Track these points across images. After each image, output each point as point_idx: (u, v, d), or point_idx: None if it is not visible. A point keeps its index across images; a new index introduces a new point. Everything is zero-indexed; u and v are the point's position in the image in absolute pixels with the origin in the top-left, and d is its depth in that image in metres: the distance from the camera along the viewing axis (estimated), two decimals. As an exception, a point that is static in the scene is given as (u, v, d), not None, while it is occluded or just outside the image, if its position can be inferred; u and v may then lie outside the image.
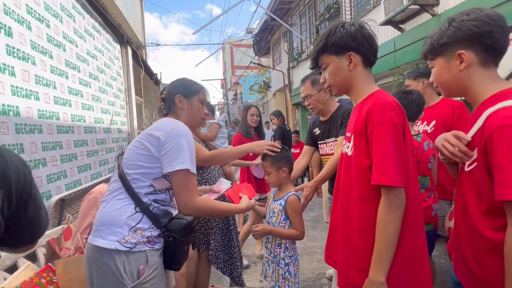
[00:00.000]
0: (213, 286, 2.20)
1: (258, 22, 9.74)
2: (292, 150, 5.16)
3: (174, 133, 1.05)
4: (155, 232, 1.03)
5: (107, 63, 4.03)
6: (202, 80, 24.48)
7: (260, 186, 2.70)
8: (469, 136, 0.81)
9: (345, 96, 1.23)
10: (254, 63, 11.27)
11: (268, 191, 2.83)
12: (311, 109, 1.72)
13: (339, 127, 1.63)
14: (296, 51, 9.07)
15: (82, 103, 3.05)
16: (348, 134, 1.02)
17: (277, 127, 5.38)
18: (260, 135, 2.79)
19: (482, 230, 0.76)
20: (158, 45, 8.31)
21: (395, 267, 0.84)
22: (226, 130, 2.50)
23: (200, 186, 1.80)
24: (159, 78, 8.34)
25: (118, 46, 4.68)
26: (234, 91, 27.05)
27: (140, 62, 5.81)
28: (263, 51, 12.80)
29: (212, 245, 1.73)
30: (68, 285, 1.21)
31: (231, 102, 28.20)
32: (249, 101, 21.67)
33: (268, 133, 9.35)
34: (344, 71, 0.98)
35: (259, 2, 10.54)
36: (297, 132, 5.66)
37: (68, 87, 2.76)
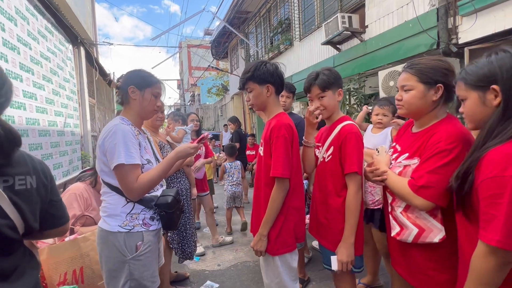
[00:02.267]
0: (176, 271, 2.49)
1: (218, 24, 9.98)
2: (248, 152, 5.62)
3: (107, 136, 1.20)
4: (148, 214, 1.28)
5: (60, 64, 3.93)
6: (157, 80, 23.48)
7: (199, 186, 3.06)
8: (328, 141, 1.38)
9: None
10: (212, 67, 11.49)
11: (206, 190, 3.25)
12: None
13: None
14: (253, 59, 9.60)
15: (36, 106, 3.01)
16: (261, 140, 1.46)
17: (234, 132, 5.81)
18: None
19: (332, 196, 1.34)
20: (111, 44, 8.00)
21: (278, 227, 1.35)
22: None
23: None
24: (112, 78, 8.03)
25: (70, 47, 4.54)
26: (191, 93, 26.61)
27: (93, 63, 5.63)
28: (221, 55, 13.09)
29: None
30: (55, 266, 1.41)
31: (189, 104, 27.67)
32: (207, 103, 21.62)
33: (227, 135, 9.71)
34: (263, 96, 1.39)
35: (217, 10, 10.84)
36: (253, 135, 6.14)
37: (23, 90, 2.74)
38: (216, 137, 9.66)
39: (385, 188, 1.21)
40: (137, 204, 1.26)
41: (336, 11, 5.20)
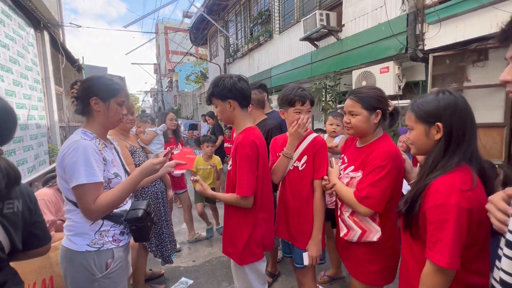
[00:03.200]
0: (151, 269, 2.54)
1: (198, 7, 9.55)
2: (226, 144, 5.65)
3: (67, 153, 1.12)
4: (118, 230, 1.25)
5: (21, 52, 3.63)
6: (132, 64, 22.25)
7: (177, 183, 3.10)
8: (300, 150, 1.50)
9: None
10: (190, 54, 11.11)
11: (184, 187, 3.24)
12: None
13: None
14: (232, 48, 9.42)
15: (-6, 99, 2.80)
16: (230, 155, 1.51)
17: (216, 125, 5.80)
18: (176, 137, 3.22)
19: (306, 202, 1.47)
20: (79, 26, 7.43)
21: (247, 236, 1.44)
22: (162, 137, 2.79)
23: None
24: (81, 63, 7.53)
25: (32, 31, 4.18)
26: (169, 78, 25.63)
27: (59, 48, 5.24)
28: (201, 42, 12.66)
29: None
30: (23, 277, 1.39)
31: (166, 90, 26.69)
32: (186, 90, 20.97)
33: (205, 126, 9.59)
34: (227, 111, 1.41)
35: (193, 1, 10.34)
36: (231, 128, 6.15)
37: (-22, 83, 2.53)
38: (194, 126, 9.52)
39: (336, 195, 1.43)
40: (106, 221, 1.22)
41: (315, 7, 5.23)
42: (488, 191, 0.90)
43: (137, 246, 2.02)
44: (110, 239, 1.22)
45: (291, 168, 1.55)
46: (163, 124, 2.79)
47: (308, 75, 5.44)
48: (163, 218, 2.23)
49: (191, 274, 2.56)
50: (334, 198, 1.91)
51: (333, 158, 1.54)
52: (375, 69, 3.91)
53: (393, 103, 4.09)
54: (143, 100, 35.26)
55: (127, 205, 1.33)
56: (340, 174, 1.42)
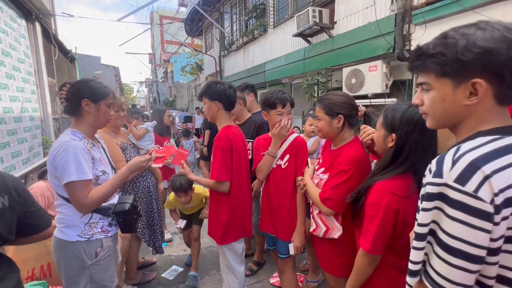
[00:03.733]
0: (143, 258, 2.68)
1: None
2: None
3: (58, 152, 1.21)
4: (107, 222, 1.37)
5: (13, 44, 3.63)
6: (126, 53, 21.87)
7: (169, 175, 3.22)
8: (283, 149, 1.65)
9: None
10: (185, 45, 11.02)
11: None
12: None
13: (252, 133, 2.30)
14: (227, 41, 9.38)
15: (-12, 93, 2.84)
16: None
17: (205, 120, 5.89)
18: (168, 133, 3.44)
19: (290, 198, 1.60)
20: (71, 16, 7.33)
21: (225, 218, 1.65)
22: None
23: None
24: (74, 52, 7.47)
25: (23, 22, 4.16)
26: (164, 69, 25.32)
27: (51, 39, 5.20)
28: (196, 33, 12.53)
29: (140, 225, 2.21)
30: (22, 263, 1.51)
31: (161, 80, 26.41)
32: (181, 81, 20.80)
33: (199, 118, 9.64)
34: (212, 110, 1.66)
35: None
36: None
37: (-28, 77, 2.57)
38: (189, 119, 9.56)
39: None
40: (95, 214, 1.32)
41: (309, 3, 5.26)
42: None
43: (129, 236, 2.14)
44: (99, 230, 1.33)
45: (274, 167, 1.68)
46: (154, 121, 2.88)
47: (301, 71, 5.52)
48: (155, 210, 2.35)
49: (181, 262, 2.71)
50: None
51: (308, 159, 1.67)
52: (364, 67, 4.01)
53: (380, 101, 4.16)
54: (137, 91, 34.86)
55: (114, 199, 1.43)
56: (313, 174, 1.53)
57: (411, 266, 0.67)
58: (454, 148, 0.62)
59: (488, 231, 0.55)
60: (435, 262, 0.62)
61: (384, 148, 1.12)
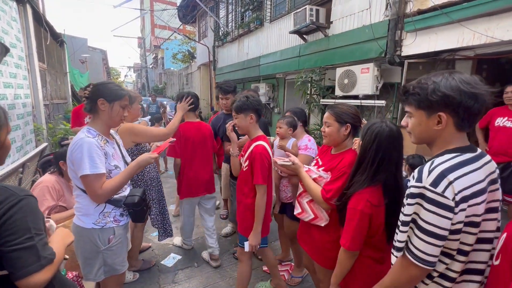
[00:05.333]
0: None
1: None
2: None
3: (74, 149, 1.35)
4: (118, 212, 1.51)
5: (5, 28, 3.53)
6: (114, 36, 21.08)
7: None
8: (246, 154, 1.82)
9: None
10: (178, 33, 10.79)
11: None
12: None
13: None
14: (222, 31, 9.28)
15: (-17, 80, 2.80)
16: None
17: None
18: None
19: (247, 198, 1.80)
20: (61, -4, 7.01)
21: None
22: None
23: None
24: (63, 35, 7.21)
25: (14, 4, 4.02)
26: (154, 55, 24.61)
27: (42, 23, 5.03)
28: (190, 21, 12.26)
29: (153, 212, 2.43)
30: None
31: (151, 67, 25.70)
32: (172, 68, 20.35)
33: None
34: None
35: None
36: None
37: (-32, 64, 2.54)
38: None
39: (301, 182, 1.68)
40: (108, 204, 1.48)
41: (306, 1, 5.32)
42: (392, 210, 1.25)
43: (133, 225, 2.27)
44: (112, 219, 1.49)
45: (243, 167, 1.88)
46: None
47: (296, 67, 5.63)
48: (164, 198, 2.56)
49: (179, 250, 2.86)
50: (289, 194, 2.20)
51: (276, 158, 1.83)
52: (356, 69, 4.18)
53: (370, 102, 4.37)
54: (125, 75, 33.83)
55: (126, 192, 1.58)
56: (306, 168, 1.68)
57: (398, 244, 0.95)
58: (430, 162, 0.90)
59: (450, 219, 0.82)
60: (415, 240, 0.88)
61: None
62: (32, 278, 0.78)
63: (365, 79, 4.09)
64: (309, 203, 1.61)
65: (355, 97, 4.34)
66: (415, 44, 3.48)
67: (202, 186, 2.50)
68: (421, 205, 0.85)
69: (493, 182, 0.91)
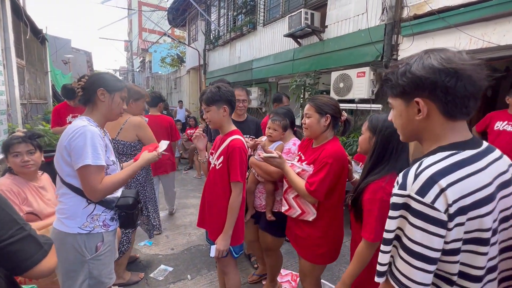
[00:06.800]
0: (130, 257, 2.55)
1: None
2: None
3: (75, 137, 1.20)
4: (109, 215, 1.33)
5: (-21, 17, 3.23)
6: (100, 38, 20.45)
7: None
8: (219, 150, 1.62)
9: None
10: (168, 35, 10.59)
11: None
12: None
13: (254, 131, 2.43)
14: (213, 34, 9.18)
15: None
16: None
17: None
18: None
19: (221, 199, 1.59)
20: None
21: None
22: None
23: None
24: (44, 32, 6.83)
25: (-10, -6, 3.72)
26: (141, 58, 24.12)
27: (22, 16, 4.70)
28: (180, 24, 12.08)
29: (147, 212, 2.33)
30: None
31: (138, 70, 25.14)
32: (160, 72, 19.95)
33: (181, 112, 9.36)
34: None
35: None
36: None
37: None
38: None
39: (285, 178, 1.63)
40: (98, 206, 1.30)
41: (301, 4, 5.31)
42: None
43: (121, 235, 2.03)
44: (101, 223, 1.31)
45: (213, 166, 1.66)
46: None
47: (290, 71, 5.58)
48: (147, 194, 2.39)
49: (170, 261, 2.62)
50: (264, 202, 2.01)
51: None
52: (352, 73, 4.16)
53: (366, 106, 4.37)
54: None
55: (118, 193, 1.42)
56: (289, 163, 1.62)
57: (379, 268, 0.75)
58: (417, 163, 0.71)
59: (442, 236, 0.64)
60: (399, 263, 0.69)
61: (368, 148, 1.31)
62: (42, 266, 0.75)
63: (361, 83, 4.07)
64: (295, 199, 1.58)
65: (351, 101, 4.30)
66: (412, 49, 3.49)
67: (162, 167, 3.07)
68: (406, 218, 0.67)
69: (504, 185, 0.72)
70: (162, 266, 2.53)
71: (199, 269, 2.52)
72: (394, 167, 1.21)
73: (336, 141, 1.55)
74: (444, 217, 0.63)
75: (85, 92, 1.34)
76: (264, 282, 2.30)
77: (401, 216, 0.69)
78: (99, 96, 1.33)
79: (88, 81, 1.34)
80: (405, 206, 0.68)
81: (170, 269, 2.50)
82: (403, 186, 0.69)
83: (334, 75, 4.44)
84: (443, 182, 0.64)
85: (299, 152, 1.71)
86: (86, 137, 1.20)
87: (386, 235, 0.72)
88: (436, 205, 0.63)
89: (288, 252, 2.75)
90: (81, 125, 1.24)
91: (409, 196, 0.67)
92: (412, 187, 0.67)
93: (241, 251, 1.70)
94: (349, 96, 4.22)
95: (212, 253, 1.58)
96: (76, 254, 1.25)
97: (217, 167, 1.61)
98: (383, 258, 0.74)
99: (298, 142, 2.00)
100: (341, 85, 4.32)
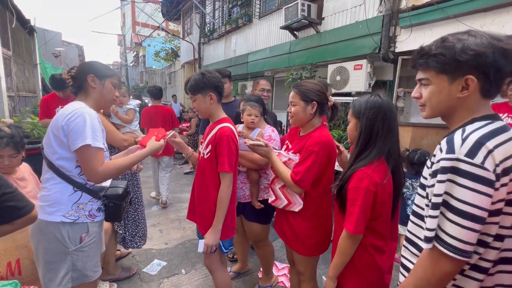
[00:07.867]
0: (119, 250, 2.48)
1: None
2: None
3: (73, 117, 1.16)
4: (96, 205, 1.26)
5: (-40, 3, 3.07)
6: (93, 32, 20.05)
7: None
8: (207, 139, 1.52)
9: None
10: (162, 28, 10.38)
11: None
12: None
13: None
14: (208, 28, 9.02)
15: None
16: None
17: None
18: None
19: (210, 190, 1.49)
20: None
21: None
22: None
23: None
24: (33, 24, 6.60)
25: (-27, -21, 3.54)
26: (135, 53, 23.69)
27: (8, 4, 4.52)
28: (174, 17, 11.85)
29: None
30: None
31: (131, 65, 24.72)
32: (154, 67, 19.64)
33: (176, 106, 9.23)
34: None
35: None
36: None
37: None
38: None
39: (272, 167, 1.56)
40: (85, 194, 1.24)
41: (297, -4, 5.21)
42: (398, 182, 1.20)
43: (109, 228, 1.96)
44: (86, 213, 1.25)
45: (202, 155, 1.57)
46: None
47: (286, 64, 5.50)
48: (138, 204, 2.24)
49: (164, 256, 2.56)
50: (247, 193, 1.93)
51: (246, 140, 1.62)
52: (349, 65, 4.10)
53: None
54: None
55: (107, 183, 1.36)
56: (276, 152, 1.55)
57: (427, 233, 0.76)
58: (460, 130, 0.75)
59: (491, 196, 0.68)
60: (448, 226, 0.72)
61: (354, 133, 1.22)
62: (32, 213, 0.97)
63: (358, 76, 4.01)
64: (281, 189, 1.52)
65: (348, 94, 4.26)
66: (410, 40, 3.44)
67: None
68: (454, 182, 0.71)
69: None
70: (156, 261, 2.47)
71: (194, 263, 2.47)
72: (382, 150, 1.14)
73: (324, 129, 1.47)
74: (493, 177, 0.68)
75: (76, 81, 1.32)
76: (279, 271, 2.31)
77: (448, 180, 0.71)
78: (90, 82, 1.30)
79: (77, 69, 1.33)
80: (453, 170, 0.71)
81: (164, 263, 2.44)
82: (450, 151, 0.72)
83: (331, 68, 4.38)
84: (490, 144, 0.70)
85: (287, 141, 1.64)
86: (85, 118, 1.17)
87: (434, 200, 0.74)
88: (485, 165, 0.68)
89: (284, 246, 2.71)
90: (78, 107, 1.20)
91: (457, 159, 0.70)
92: (461, 150, 0.70)
93: (231, 246, 1.63)
94: (346, 89, 4.17)
95: (200, 248, 1.48)
96: (58, 244, 1.18)
97: (205, 157, 1.52)
98: (431, 223, 0.75)
99: (275, 129, 1.97)
100: (338, 78, 4.27)
